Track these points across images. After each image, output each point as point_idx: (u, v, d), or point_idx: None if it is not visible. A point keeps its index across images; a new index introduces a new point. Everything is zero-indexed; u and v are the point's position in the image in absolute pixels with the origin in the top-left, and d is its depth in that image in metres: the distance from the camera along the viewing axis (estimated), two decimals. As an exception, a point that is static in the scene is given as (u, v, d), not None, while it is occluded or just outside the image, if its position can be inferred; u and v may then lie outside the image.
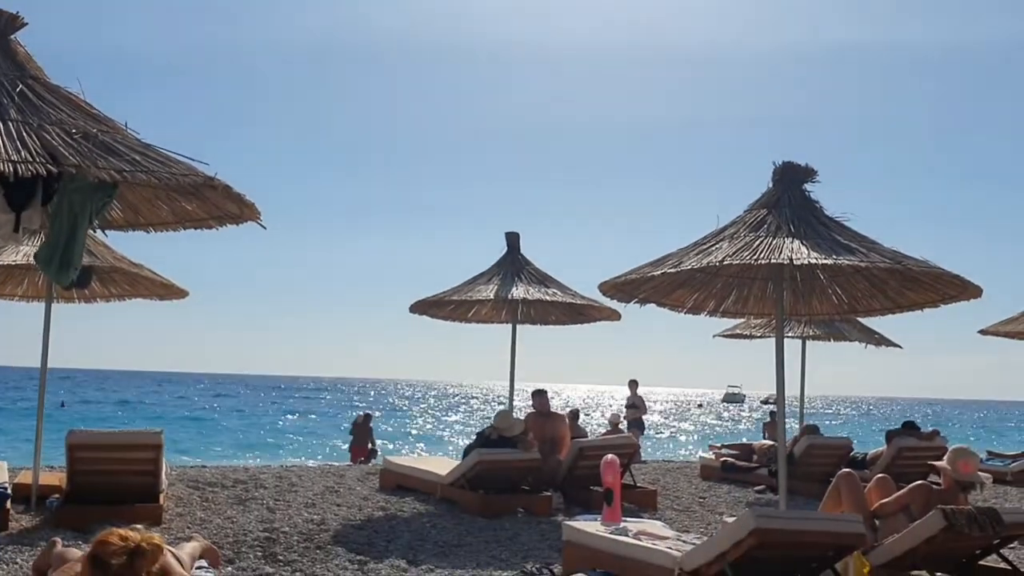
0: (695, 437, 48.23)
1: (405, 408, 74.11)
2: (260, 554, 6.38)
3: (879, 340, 13.35)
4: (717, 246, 5.94)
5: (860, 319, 11.94)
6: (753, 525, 4.72)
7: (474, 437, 10.01)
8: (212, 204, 6.26)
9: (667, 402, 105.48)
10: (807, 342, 13.39)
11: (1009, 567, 5.78)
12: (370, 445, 16.61)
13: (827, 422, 53.14)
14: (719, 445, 13.21)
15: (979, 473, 6.13)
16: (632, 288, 6.86)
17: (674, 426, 59.46)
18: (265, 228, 6.29)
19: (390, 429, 44.50)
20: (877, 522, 6.08)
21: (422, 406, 79.17)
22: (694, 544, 5.40)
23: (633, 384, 17.93)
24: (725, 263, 5.75)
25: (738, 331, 13.78)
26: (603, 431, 18.93)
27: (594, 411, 58.78)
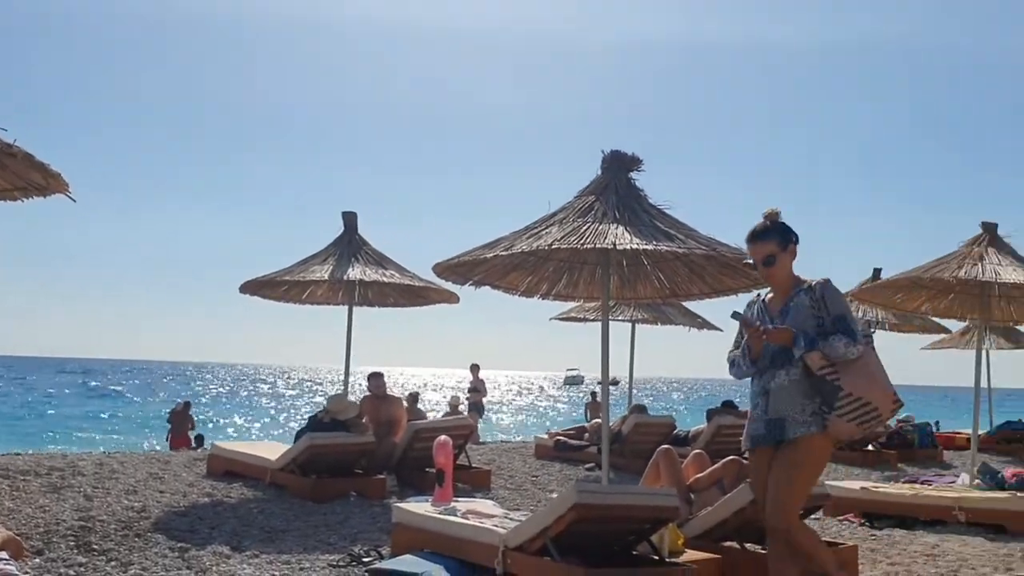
0: (535, 418, 49.19)
1: (233, 392, 71.93)
2: (73, 544, 6.07)
3: (701, 324, 13.99)
4: (547, 230, 6.06)
5: (684, 303, 12.47)
6: (574, 500, 4.87)
7: (307, 421, 9.86)
8: (13, 174, 5.85)
9: (511, 384, 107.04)
10: (636, 325, 13.87)
11: (810, 535, 6.16)
12: (191, 433, 16.08)
13: (655, 401, 55.30)
14: (556, 431, 13.54)
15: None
16: (466, 270, 6.90)
17: (514, 408, 60.43)
18: (75, 201, 5.96)
19: (216, 415, 43.05)
20: (693, 496, 6.39)
21: (252, 390, 76.99)
22: (520, 521, 5.52)
23: (475, 368, 18.13)
24: (554, 247, 5.88)
25: (572, 314, 14.13)
26: (443, 414, 19.04)
27: (435, 393, 58.97)
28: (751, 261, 4.47)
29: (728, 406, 13.12)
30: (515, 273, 7.34)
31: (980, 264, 8.36)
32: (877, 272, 13.24)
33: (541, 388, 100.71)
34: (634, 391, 14.40)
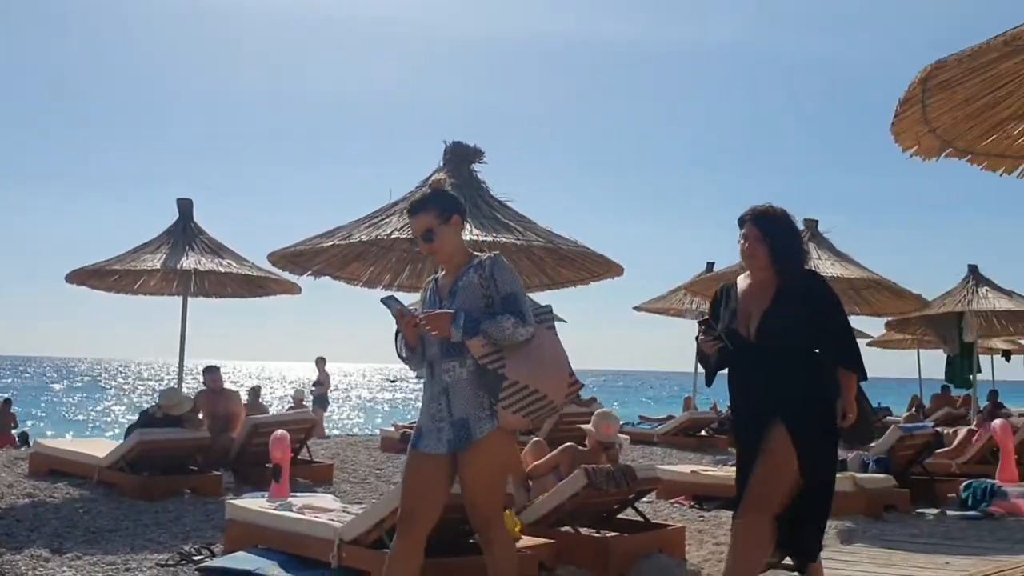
0: (386, 411, 48.80)
1: (62, 387, 68.07)
2: None
3: (548, 315, 14.23)
4: (387, 220, 6.03)
5: (529, 295, 12.65)
6: (409, 492, 4.86)
7: (138, 416, 9.44)
8: None
9: (361, 377, 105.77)
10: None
11: (642, 519, 6.39)
12: (14, 431, 15.13)
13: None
14: (404, 424, 13.47)
15: (618, 434, 6.76)
16: (304, 260, 6.78)
17: (363, 401, 59.77)
18: None
19: (41, 412, 40.60)
20: (530, 483, 6.50)
21: (81, 384, 73.03)
22: (357, 515, 5.47)
23: (320, 361, 17.80)
24: (393, 236, 5.85)
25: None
26: (287, 407, 18.63)
27: (279, 387, 57.60)
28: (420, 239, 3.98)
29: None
30: (357, 263, 7.28)
31: (800, 258, 8.86)
32: (710, 266, 13.81)
33: (394, 381, 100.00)
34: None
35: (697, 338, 4.18)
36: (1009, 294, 11.68)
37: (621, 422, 16.05)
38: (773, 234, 4.03)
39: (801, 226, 9.27)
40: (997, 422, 9.68)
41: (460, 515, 5.23)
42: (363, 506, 6.30)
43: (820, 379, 3.98)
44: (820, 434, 3.96)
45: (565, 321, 14.84)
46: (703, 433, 14.35)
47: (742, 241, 4.11)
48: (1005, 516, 7.85)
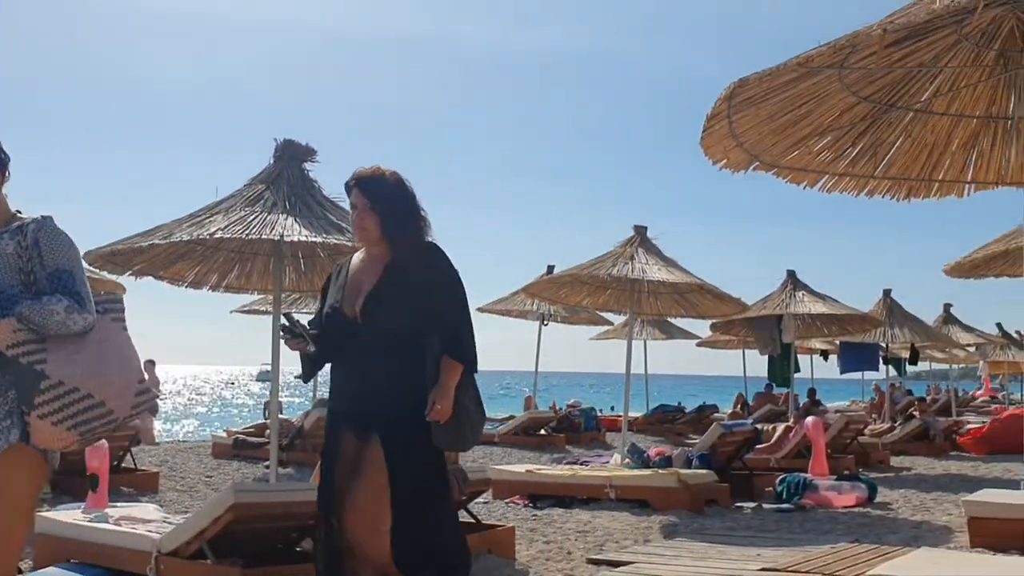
0: (221, 416, 47.18)
1: None
2: None
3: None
4: (212, 219, 5.82)
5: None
6: (231, 501, 4.72)
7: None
8: None
9: (193, 381, 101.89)
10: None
11: (473, 520, 6.44)
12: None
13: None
14: (236, 429, 13.07)
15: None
16: (123, 259, 6.46)
17: (198, 406, 57.61)
18: None
19: None
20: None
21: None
22: (177, 525, 5.27)
23: (149, 364, 16.99)
24: (217, 236, 5.66)
25: (255, 307, 13.72)
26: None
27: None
28: None
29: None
30: (182, 263, 7.00)
31: (631, 263, 9.18)
32: (550, 268, 14.07)
33: (230, 384, 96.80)
34: (320, 386, 14.25)
35: (283, 336, 3.64)
36: (823, 298, 12.49)
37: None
38: (383, 201, 3.49)
39: (631, 232, 9.78)
40: (809, 419, 10.31)
41: (289, 524, 5.16)
42: (187, 516, 6.08)
43: (429, 370, 3.43)
44: (417, 436, 3.40)
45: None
46: (543, 432, 14.61)
47: (352, 212, 3.62)
48: (815, 508, 8.36)
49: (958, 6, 2.93)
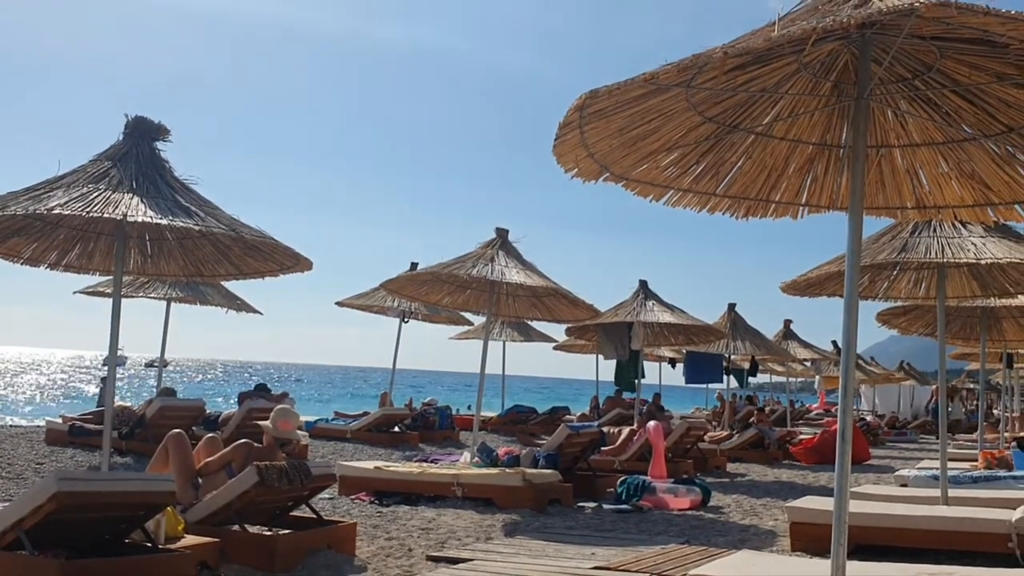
0: (61, 400, 44.81)
1: None
2: None
3: (240, 306, 13.80)
4: (51, 194, 5.53)
5: (224, 284, 12.21)
6: (54, 489, 4.52)
7: None
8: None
9: (42, 363, 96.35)
10: (172, 304, 13.28)
11: (314, 516, 6.36)
12: None
13: (194, 384, 53.19)
14: (75, 416, 12.45)
15: (296, 431, 6.69)
16: (-50, 231, 6.07)
17: (35, 389, 54.51)
18: None
19: None
20: (200, 480, 6.25)
21: None
22: (-5, 513, 4.98)
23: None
24: (56, 212, 5.39)
25: (99, 288, 13.12)
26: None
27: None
28: None
29: (262, 389, 13.10)
30: (18, 238, 6.63)
31: (491, 265, 9.27)
32: (414, 265, 14.04)
33: (73, 368, 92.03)
34: (174, 374, 13.78)
35: None
36: (672, 309, 12.96)
37: (315, 418, 15.94)
38: None
39: (493, 235, 9.86)
40: (651, 424, 10.67)
41: (118, 514, 4.97)
42: (7, 504, 5.76)
43: None
44: None
45: (261, 313, 14.43)
46: (396, 429, 14.55)
47: None
48: (652, 509, 8.66)
49: (792, 36, 3.09)
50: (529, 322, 15.88)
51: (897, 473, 10.06)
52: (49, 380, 67.45)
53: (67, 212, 5.33)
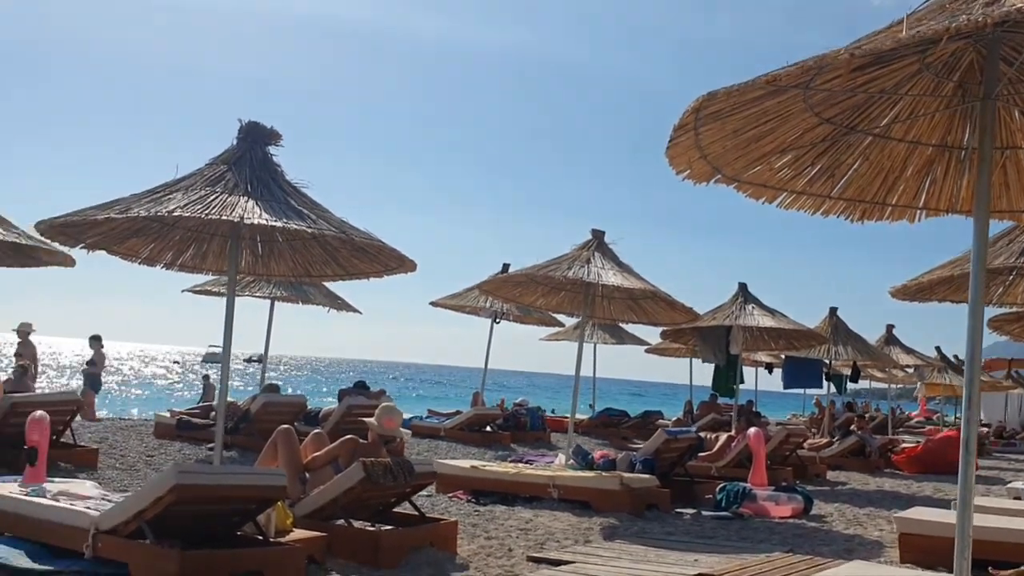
0: (165, 395, 46.48)
1: None
2: None
3: (341, 305, 14.08)
4: (170, 196, 5.74)
5: (326, 284, 12.48)
6: (173, 482, 4.70)
7: None
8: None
9: (144, 359, 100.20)
10: (276, 303, 13.64)
11: (417, 513, 6.46)
12: None
13: (293, 380, 54.44)
14: (180, 410, 12.92)
15: (400, 428, 6.80)
16: (77, 232, 6.34)
17: (142, 384, 56.68)
18: None
19: None
20: (307, 475, 6.41)
21: None
22: (116, 503, 5.21)
23: (95, 340, 16.69)
24: (176, 214, 5.59)
25: (208, 287, 13.56)
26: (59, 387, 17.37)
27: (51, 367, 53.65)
28: None
29: (360, 386, 13.34)
30: (136, 239, 6.89)
31: (587, 267, 9.25)
32: (506, 267, 14.11)
33: (177, 363, 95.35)
34: (274, 371, 14.17)
35: None
36: (772, 313, 12.68)
37: (410, 416, 16.15)
38: None
39: (589, 236, 9.83)
40: (752, 430, 10.48)
41: (232, 507, 5.13)
42: (126, 494, 6.01)
43: None
44: None
45: (360, 312, 14.71)
46: (488, 429, 14.64)
47: None
48: (752, 517, 8.52)
49: (923, 36, 3.00)
50: (621, 324, 15.76)
51: (1009, 485, 9.67)
52: (155, 376, 70.04)
53: (187, 214, 5.52)
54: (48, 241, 7.14)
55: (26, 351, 14.90)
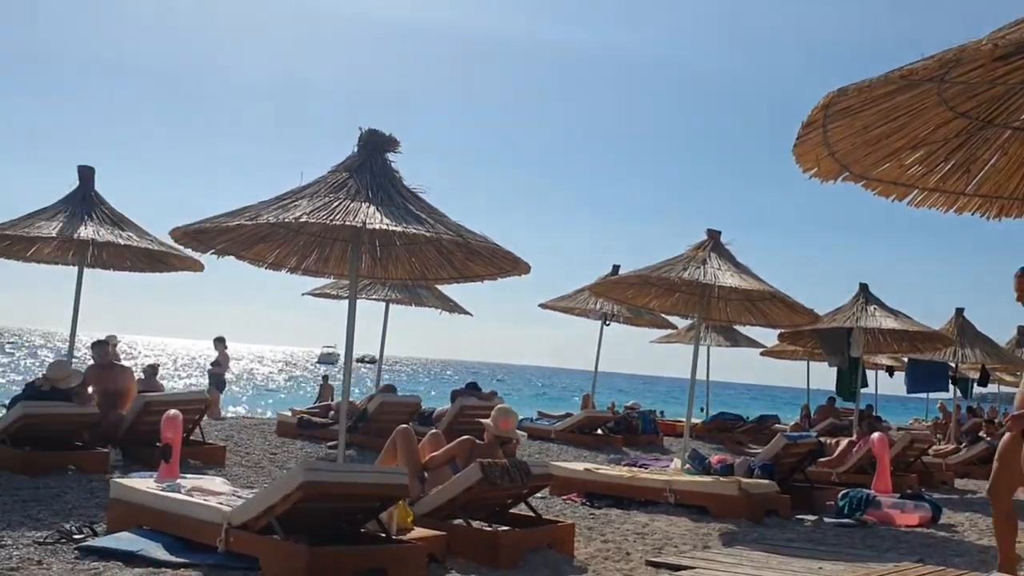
0: (285, 396, 47.99)
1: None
2: None
3: (453, 307, 14.27)
4: (296, 203, 5.93)
5: (438, 287, 12.67)
6: (301, 479, 4.84)
7: (23, 388, 9.11)
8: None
9: (262, 360, 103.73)
10: (390, 305, 13.92)
11: (534, 514, 6.48)
12: None
13: (405, 381, 55.35)
14: (301, 408, 13.33)
15: (516, 430, 6.84)
16: (208, 238, 6.62)
17: (261, 384, 58.66)
18: None
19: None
20: (426, 474, 6.52)
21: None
22: (247, 499, 5.40)
23: (219, 341, 17.38)
24: (302, 220, 5.77)
25: (326, 290, 13.95)
26: (186, 386, 18.16)
27: (194, 368, 56.02)
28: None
29: (472, 387, 13.49)
30: (262, 244, 7.14)
31: (703, 268, 9.10)
32: (616, 268, 14.03)
33: (292, 364, 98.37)
34: (387, 371, 14.47)
35: None
36: (895, 314, 12.23)
37: (520, 417, 16.23)
38: None
39: (703, 236, 9.68)
40: (876, 435, 10.13)
41: (356, 505, 5.26)
42: (254, 491, 6.23)
43: None
44: None
45: (471, 314, 14.88)
46: (599, 432, 14.58)
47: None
48: (877, 525, 8.23)
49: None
50: (737, 327, 15.46)
51: None
52: (271, 376, 72.43)
53: (312, 220, 5.70)
54: (180, 247, 7.46)
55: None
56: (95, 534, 5.74)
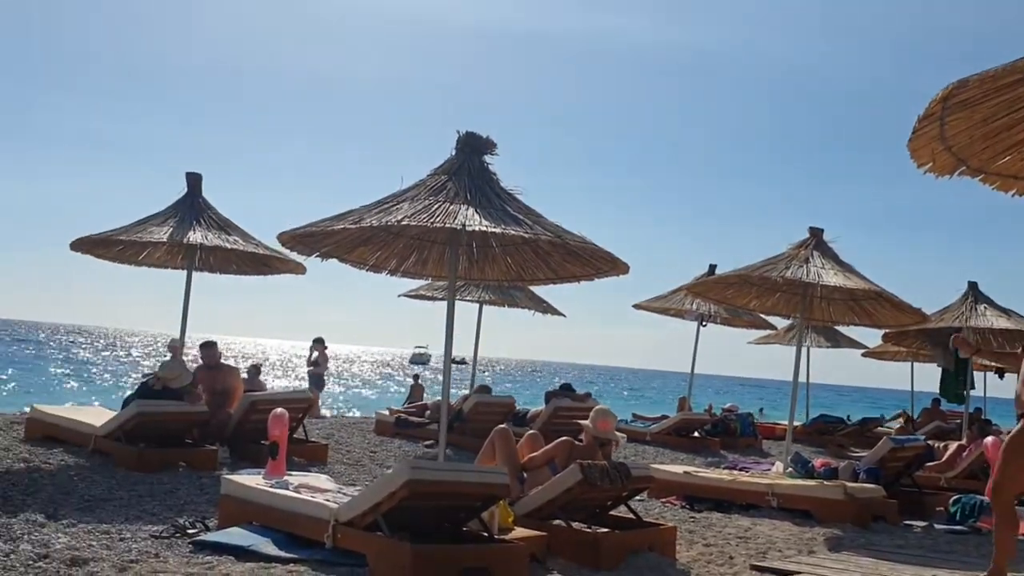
0: (379, 395, 48.80)
1: (67, 356, 67.88)
2: None
3: (547, 308, 14.28)
4: (398, 207, 6.03)
5: (530, 288, 12.70)
6: (407, 477, 4.91)
7: (137, 387, 9.49)
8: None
9: (355, 359, 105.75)
10: (483, 306, 14.02)
11: (634, 516, 6.44)
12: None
13: (498, 382, 55.58)
14: (398, 408, 13.54)
15: (615, 432, 6.80)
16: (313, 241, 6.79)
17: (358, 383, 59.76)
18: None
19: (42, 376, 40.53)
20: (525, 475, 6.54)
21: (77, 352, 72.70)
22: (353, 496, 5.51)
23: (318, 342, 17.80)
24: (404, 223, 5.86)
25: (422, 292, 14.13)
26: (288, 386, 18.65)
27: (289, 368, 57.51)
28: None
29: (566, 388, 13.48)
30: (364, 247, 7.28)
31: (805, 266, 8.89)
32: (712, 268, 13.83)
33: (388, 364, 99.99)
34: (479, 371, 14.57)
35: None
36: (1007, 313, 11.72)
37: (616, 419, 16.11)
38: None
39: (806, 234, 9.45)
40: (989, 439, 9.72)
41: (459, 503, 5.31)
42: (358, 488, 6.35)
43: None
44: None
45: (564, 315, 14.86)
46: (696, 434, 14.39)
47: None
48: (992, 532, 7.89)
49: None
50: (838, 327, 15.05)
51: None
52: (367, 375, 73.75)
53: (414, 223, 5.78)
54: (287, 251, 7.67)
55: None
56: (207, 529, 5.93)
